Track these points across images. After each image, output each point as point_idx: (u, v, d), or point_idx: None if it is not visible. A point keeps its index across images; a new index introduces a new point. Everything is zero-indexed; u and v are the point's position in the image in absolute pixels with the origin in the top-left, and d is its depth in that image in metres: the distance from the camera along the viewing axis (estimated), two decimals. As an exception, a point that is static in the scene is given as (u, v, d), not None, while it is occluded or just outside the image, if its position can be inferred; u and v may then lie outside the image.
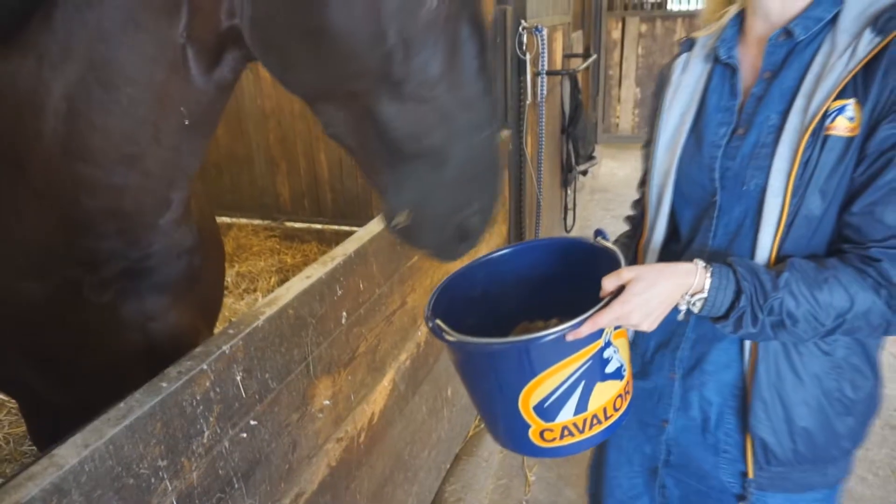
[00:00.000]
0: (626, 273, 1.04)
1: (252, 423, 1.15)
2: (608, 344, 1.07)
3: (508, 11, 2.51)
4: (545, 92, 2.99)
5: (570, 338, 0.99)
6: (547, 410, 1.06)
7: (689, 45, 1.29)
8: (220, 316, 1.85)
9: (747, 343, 1.17)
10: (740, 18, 1.21)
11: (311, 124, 4.62)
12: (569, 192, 4.63)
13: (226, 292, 4.02)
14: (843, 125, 1.03)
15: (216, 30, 1.03)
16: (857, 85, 1.02)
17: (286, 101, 4.61)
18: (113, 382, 1.46)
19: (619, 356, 1.10)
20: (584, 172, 4.64)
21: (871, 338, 1.16)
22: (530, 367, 1.04)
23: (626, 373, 1.12)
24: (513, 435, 1.12)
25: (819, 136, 1.04)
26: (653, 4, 7.86)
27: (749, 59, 1.19)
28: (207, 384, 1.04)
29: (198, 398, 1.01)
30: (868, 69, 1.01)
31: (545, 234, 3.47)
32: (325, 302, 1.37)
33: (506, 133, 2.67)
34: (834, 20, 1.07)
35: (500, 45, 2.55)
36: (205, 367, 1.03)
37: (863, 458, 2.63)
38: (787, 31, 1.11)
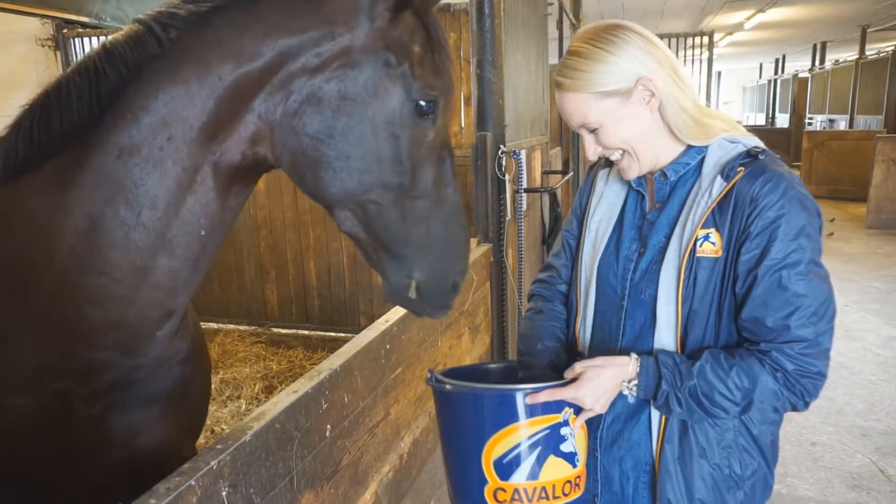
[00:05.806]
0: (577, 366, 1.30)
1: (235, 539, 1.16)
2: (566, 422, 1.26)
3: (488, 138, 2.73)
4: (524, 207, 3.18)
5: (529, 401, 1.23)
6: (504, 467, 1.23)
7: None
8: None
9: (654, 423, 1.36)
10: None
11: (302, 233, 4.78)
12: (551, 299, 4.74)
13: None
14: (709, 248, 1.31)
15: (243, 153, 1.25)
16: (716, 217, 1.31)
17: (278, 212, 4.79)
18: (94, 496, 1.47)
19: (574, 442, 1.28)
20: (566, 280, 4.78)
21: (776, 413, 1.38)
22: (507, 414, 1.25)
23: (580, 464, 1.29)
24: (470, 490, 1.28)
25: (694, 256, 1.32)
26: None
27: (651, 189, 1.46)
28: (194, 500, 1.07)
29: (184, 514, 1.04)
30: (721, 206, 1.30)
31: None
32: (311, 415, 1.42)
33: (487, 247, 2.82)
34: (702, 165, 1.37)
35: (481, 167, 2.75)
36: (192, 482, 1.06)
37: None
38: (663, 173, 1.41)
